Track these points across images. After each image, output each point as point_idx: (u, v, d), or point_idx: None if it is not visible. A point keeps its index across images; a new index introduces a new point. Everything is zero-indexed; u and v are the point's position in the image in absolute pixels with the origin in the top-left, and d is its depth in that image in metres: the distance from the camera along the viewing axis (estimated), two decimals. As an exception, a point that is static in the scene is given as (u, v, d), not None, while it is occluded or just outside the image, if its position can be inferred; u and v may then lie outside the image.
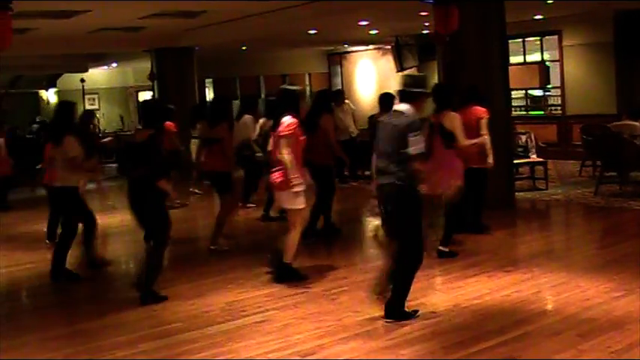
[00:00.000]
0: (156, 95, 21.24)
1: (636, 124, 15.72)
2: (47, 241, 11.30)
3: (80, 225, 9.61)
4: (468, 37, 12.00)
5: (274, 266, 8.62)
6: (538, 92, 20.89)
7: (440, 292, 7.80)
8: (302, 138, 8.34)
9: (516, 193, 12.83)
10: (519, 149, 14.71)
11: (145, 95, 27.71)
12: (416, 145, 6.66)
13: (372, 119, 11.28)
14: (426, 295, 7.57)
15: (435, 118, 9.23)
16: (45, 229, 11.56)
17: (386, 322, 6.80)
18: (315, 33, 18.86)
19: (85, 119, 12.63)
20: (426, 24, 17.44)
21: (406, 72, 7.10)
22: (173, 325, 7.15)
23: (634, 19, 17.53)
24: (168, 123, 12.73)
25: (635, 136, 14.46)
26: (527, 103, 21.10)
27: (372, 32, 19.78)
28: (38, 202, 13.75)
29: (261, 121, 12.54)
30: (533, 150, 15.12)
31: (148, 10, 13.86)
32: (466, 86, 10.54)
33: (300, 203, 8.30)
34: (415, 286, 7.85)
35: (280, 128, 8.21)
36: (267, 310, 7.44)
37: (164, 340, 6.75)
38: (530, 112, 20.85)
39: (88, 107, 26.69)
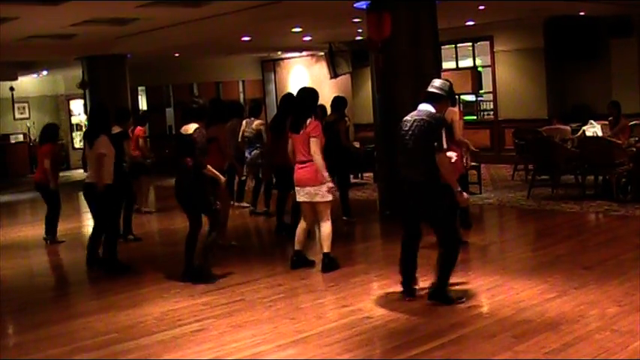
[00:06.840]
0: (87, 103, 20.98)
1: (567, 128, 16.01)
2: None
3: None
4: (401, 43, 12.05)
5: (302, 263, 9.17)
6: (471, 97, 21.10)
7: (376, 297, 7.80)
8: (323, 138, 8.96)
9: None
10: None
11: (76, 104, 27.36)
12: (444, 138, 7.17)
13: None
14: (362, 301, 7.60)
15: None
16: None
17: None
18: (249, 40, 18.80)
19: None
20: (360, 30, 17.54)
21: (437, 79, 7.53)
22: (108, 336, 7.03)
23: (564, 25, 17.85)
24: (138, 128, 13.98)
25: (566, 140, 14.71)
26: (460, 108, 21.25)
27: (306, 39, 19.80)
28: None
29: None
30: (467, 155, 15.23)
31: (78, 17, 13.66)
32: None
33: (330, 196, 8.83)
34: (352, 292, 7.92)
35: (309, 129, 8.73)
36: (203, 319, 7.37)
37: (99, 352, 6.63)
38: (463, 118, 21.02)
39: (18, 116, 26.37)
